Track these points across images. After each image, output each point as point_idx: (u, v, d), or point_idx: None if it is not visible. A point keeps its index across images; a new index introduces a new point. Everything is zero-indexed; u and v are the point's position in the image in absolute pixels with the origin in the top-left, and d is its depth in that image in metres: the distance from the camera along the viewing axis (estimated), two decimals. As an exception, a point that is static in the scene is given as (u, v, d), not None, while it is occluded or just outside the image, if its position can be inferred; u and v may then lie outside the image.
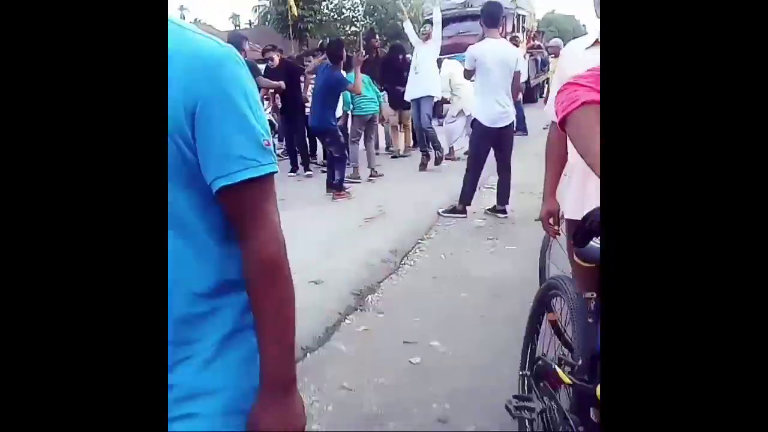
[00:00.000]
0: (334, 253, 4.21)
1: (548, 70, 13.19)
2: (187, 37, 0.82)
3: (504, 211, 5.08)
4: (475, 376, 2.48)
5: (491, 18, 4.96)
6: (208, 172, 0.83)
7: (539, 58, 14.19)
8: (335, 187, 6.02)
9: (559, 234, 2.22)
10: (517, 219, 4.96)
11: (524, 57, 9.63)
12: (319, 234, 4.73)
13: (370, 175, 6.89)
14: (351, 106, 7.12)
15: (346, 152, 6.34)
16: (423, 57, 7.09)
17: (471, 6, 13.16)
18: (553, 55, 10.53)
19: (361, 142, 7.21)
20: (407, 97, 7.30)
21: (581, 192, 1.92)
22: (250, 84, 0.86)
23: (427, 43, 7.18)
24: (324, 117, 6.03)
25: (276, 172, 0.87)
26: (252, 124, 0.84)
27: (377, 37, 8.56)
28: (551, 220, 2.16)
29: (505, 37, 5.15)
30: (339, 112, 7.21)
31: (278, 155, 6.58)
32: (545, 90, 12.94)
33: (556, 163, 2.10)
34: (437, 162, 7.14)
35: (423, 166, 7.17)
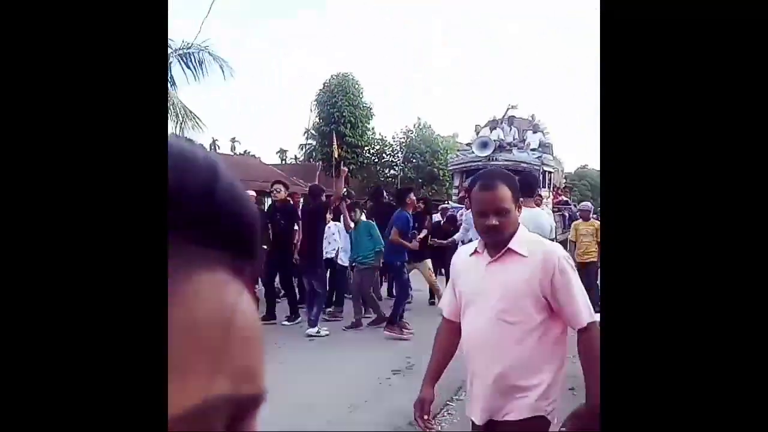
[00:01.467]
0: (358, 410, 4.10)
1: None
2: None
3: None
4: None
5: (527, 188, 5.16)
6: None
7: (566, 214, 13.04)
8: (390, 321, 6.28)
9: (430, 429, 2.08)
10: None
11: (550, 213, 8.18)
12: (347, 382, 4.65)
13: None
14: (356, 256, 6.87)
15: (409, 290, 6.52)
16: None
17: (495, 160, 13.08)
18: (581, 219, 8.53)
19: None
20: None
21: None
22: None
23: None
24: (390, 255, 6.57)
25: None
26: None
27: (384, 195, 8.70)
28: (423, 410, 2.06)
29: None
30: (345, 262, 7.35)
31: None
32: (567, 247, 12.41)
33: (440, 353, 2.13)
34: None
35: None
